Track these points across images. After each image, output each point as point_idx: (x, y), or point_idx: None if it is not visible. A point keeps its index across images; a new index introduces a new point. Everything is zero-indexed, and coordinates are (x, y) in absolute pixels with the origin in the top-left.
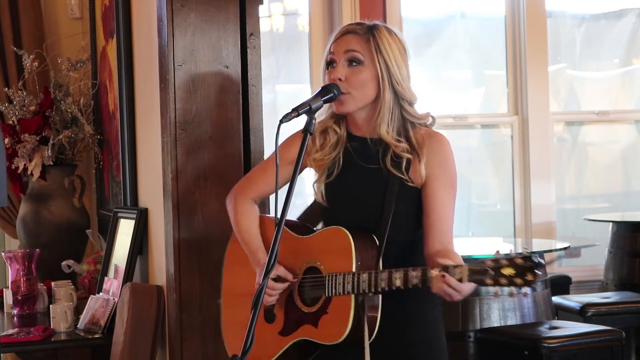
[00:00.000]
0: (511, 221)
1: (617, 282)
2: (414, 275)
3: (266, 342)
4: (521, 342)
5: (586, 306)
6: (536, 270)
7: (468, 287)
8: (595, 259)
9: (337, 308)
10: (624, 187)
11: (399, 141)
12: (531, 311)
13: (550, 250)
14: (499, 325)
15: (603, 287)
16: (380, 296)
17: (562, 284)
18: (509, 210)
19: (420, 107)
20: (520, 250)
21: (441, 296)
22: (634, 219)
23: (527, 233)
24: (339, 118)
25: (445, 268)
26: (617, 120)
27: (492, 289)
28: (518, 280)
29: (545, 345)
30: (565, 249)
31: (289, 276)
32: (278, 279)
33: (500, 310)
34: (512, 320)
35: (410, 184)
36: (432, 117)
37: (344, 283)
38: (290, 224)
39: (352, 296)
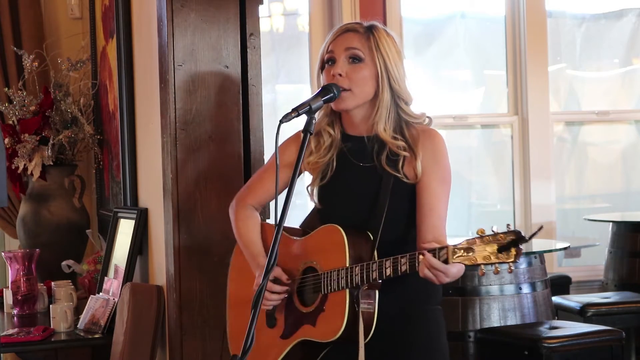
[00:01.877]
0: (511, 221)
1: (617, 282)
2: (403, 262)
3: (268, 348)
4: (521, 342)
5: (586, 306)
6: (520, 244)
7: (454, 268)
8: (595, 259)
9: (333, 304)
10: (624, 187)
11: (395, 138)
12: (531, 311)
13: (550, 250)
14: (499, 325)
15: (603, 287)
16: (377, 292)
17: (562, 284)
18: (509, 210)
19: (419, 107)
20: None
21: (430, 280)
22: (634, 219)
23: (527, 233)
24: (332, 119)
25: (431, 251)
26: (617, 120)
27: (485, 268)
28: (502, 256)
29: (545, 345)
30: (565, 249)
31: (284, 277)
32: (275, 281)
33: (500, 310)
34: (512, 320)
35: (405, 181)
36: (429, 117)
37: (338, 278)
38: (288, 229)
39: (347, 291)
